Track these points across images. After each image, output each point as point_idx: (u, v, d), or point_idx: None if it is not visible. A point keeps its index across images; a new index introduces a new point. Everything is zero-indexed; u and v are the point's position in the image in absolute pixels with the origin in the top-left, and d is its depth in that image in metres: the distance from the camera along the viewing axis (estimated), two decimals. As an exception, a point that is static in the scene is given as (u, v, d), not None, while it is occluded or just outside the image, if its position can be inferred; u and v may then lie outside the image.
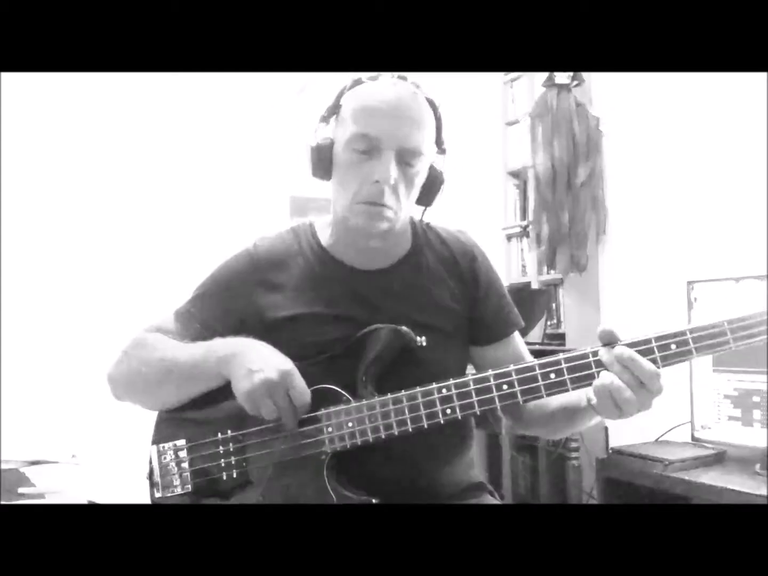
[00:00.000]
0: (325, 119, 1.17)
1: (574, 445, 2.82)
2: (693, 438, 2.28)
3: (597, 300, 3.19)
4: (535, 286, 3.33)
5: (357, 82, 1.14)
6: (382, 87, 1.11)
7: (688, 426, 2.30)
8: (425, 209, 1.24)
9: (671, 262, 2.77)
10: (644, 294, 2.87)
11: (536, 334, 3.21)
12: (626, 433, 2.66)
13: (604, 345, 0.98)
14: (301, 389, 1.06)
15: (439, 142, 1.18)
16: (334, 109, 1.15)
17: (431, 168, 1.18)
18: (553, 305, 3.28)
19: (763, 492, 1.83)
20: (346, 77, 1.15)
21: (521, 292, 3.22)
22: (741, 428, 2.13)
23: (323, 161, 1.14)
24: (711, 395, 2.20)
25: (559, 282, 3.23)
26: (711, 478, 2.02)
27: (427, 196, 1.19)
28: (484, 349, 1.24)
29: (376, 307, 1.16)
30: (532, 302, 3.02)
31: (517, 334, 1.27)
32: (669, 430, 2.39)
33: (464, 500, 1.18)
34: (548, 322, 3.27)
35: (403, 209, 1.14)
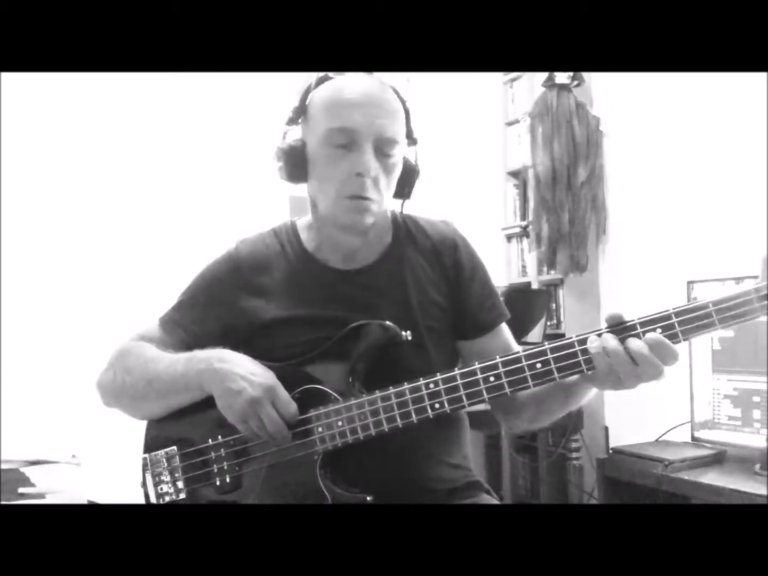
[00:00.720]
0: (292, 121, 1.16)
1: (574, 445, 2.82)
2: (693, 438, 2.28)
3: (597, 300, 3.19)
4: (535, 286, 3.33)
5: (323, 79, 1.13)
6: (352, 81, 1.11)
7: (688, 426, 2.30)
8: (403, 202, 1.22)
9: (671, 262, 2.77)
10: (644, 294, 2.87)
11: (536, 334, 3.21)
12: (626, 433, 2.66)
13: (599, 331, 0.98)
14: (286, 401, 1.06)
15: (409, 133, 1.18)
16: (302, 109, 1.14)
17: (404, 160, 1.17)
18: (553, 305, 3.28)
19: (763, 492, 1.83)
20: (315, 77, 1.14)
21: (521, 293, 3.22)
22: (741, 428, 2.13)
23: (298, 163, 1.13)
24: (711, 395, 2.21)
25: (559, 282, 3.23)
26: (711, 478, 2.02)
27: (403, 189, 1.18)
28: (472, 342, 1.22)
29: (359, 306, 1.15)
30: (532, 302, 3.02)
31: (504, 327, 1.25)
32: (669, 430, 2.39)
33: (461, 499, 1.18)
34: (548, 323, 3.27)
35: (385, 201, 1.14)
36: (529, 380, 1.00)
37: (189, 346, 1.16)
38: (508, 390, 1.01)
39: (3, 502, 1.83)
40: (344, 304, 1.16)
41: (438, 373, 1.04)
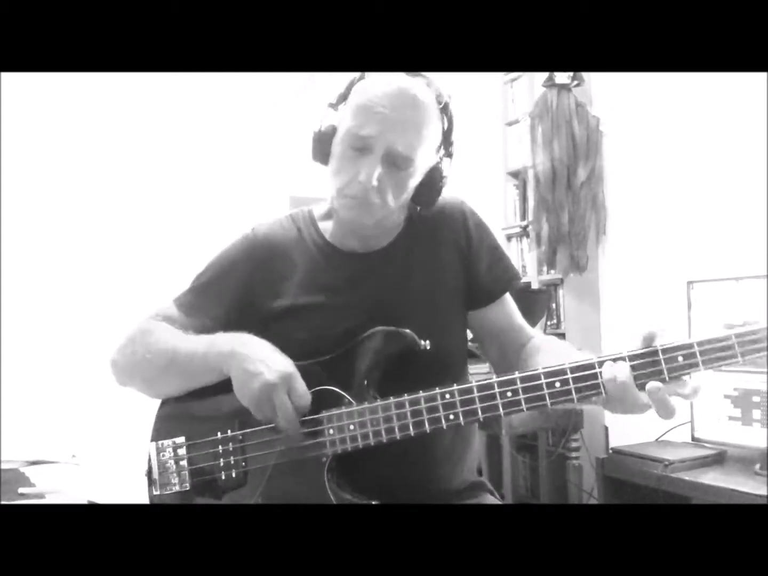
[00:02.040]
0: (333, 106, 1.16)
1: (574, 444, 2.81)
2: (693, 438, 2.28)
3: (597, 300, 3.19)
4: (535, 286, 3.33)
5: (365, 75, 1.13)
6: (385, 86, 1.09)
7: (688, 426, 2.30)
8: (419, 209, 1.22)
9: (671, 262, 2.77)
10: (644, 294, 2.87)
11: (536, 334, 3.21)
12: (626, 433, 2.66)
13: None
14: (302, 392, 1.05)
15: (446, 145, 1.17)
16: (343, 98, 1.15)
17: (434, 170, 1.16)
18: (553, 305, 3.29)
19: (763, 492, 1.83)
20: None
21: (521, 293, 3.22)
22: (741, 428, 2.13)
23: (323, 148, 1.15)
24: (711, 395, 2.20)
25: (559, 282, 3.23)
26: (711, 478, 2.02)
27: (421, 197, 1.18)
28: (481, 311, 1.24)
29: (375, 292, 1.16)
30: (532, 302, 3.02)
31: (509, 299, 1.26)
32: (669, 430, 2.39)
33: (464, 500, 1.18)
34: (548, 322, 3.27)
35: (392, 207, 1.13)
36: (547, 398, 0.98)
37: (209, 330, 1.15)
38: (524, 407, 1.00)
39: (3, 502, 1.83)
40: (359, 291, 1.17)
41: (455, 384, 1.03)
